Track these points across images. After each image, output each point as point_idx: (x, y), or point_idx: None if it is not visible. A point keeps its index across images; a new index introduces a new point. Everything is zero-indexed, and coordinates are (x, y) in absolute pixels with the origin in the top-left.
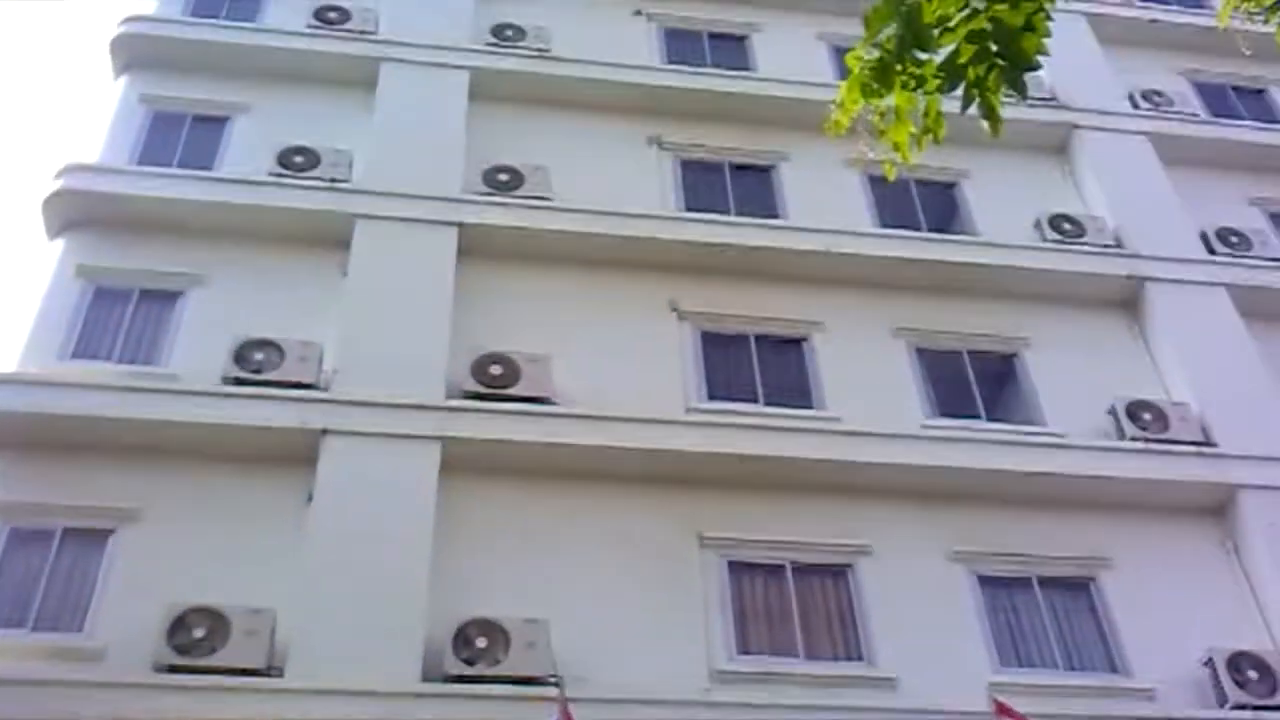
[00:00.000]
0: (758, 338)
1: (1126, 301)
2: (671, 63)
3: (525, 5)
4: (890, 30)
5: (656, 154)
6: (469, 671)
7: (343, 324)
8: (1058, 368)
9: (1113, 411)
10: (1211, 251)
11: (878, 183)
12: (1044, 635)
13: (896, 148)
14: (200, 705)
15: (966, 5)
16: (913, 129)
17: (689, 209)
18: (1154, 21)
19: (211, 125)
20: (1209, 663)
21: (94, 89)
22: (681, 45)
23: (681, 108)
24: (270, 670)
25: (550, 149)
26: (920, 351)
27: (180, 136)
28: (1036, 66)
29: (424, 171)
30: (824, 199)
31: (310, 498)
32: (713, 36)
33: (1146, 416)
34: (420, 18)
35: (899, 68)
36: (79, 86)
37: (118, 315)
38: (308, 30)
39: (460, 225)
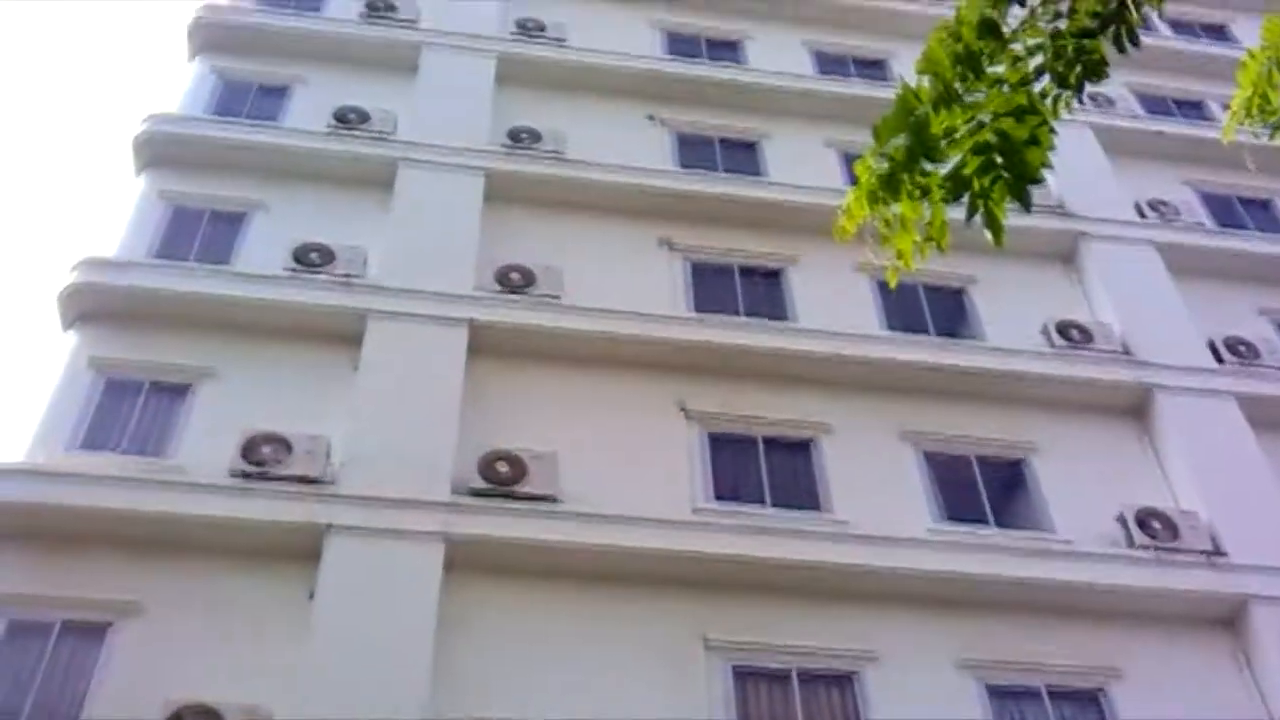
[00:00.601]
0: (765, 439)
1: (1135, 409)
2: (683, 167)
3: (542, 109)
4: (899, 141)
5: (667, 256)
6: None
7: (351, 419)
8: (1066, 474)
9: (1121, 519)
10: (1220, 360)
11: (886, 287)
12: None
13: (900, 255)
14: None
15: (973, 118)
16: (917, 237)
17: (699, 310)
18: (1159, 133)
19: (229, 221)
20: None
21: (114, 185)
22: (693, 150)
23: (692, 211)
24: None
25: (562, 249)
26: (928, 456)
27: (198, 232)
28: (1040, 180)
29: (437, 270)
30: (833, 302)
31: (312, 594)
32: (724, 142)
33: (1156, 525)
34: (438, 120)
35: (906, 177)
36: (99, 182)
37: (128, 407)
38: (328, 131)
39: (471, 323)
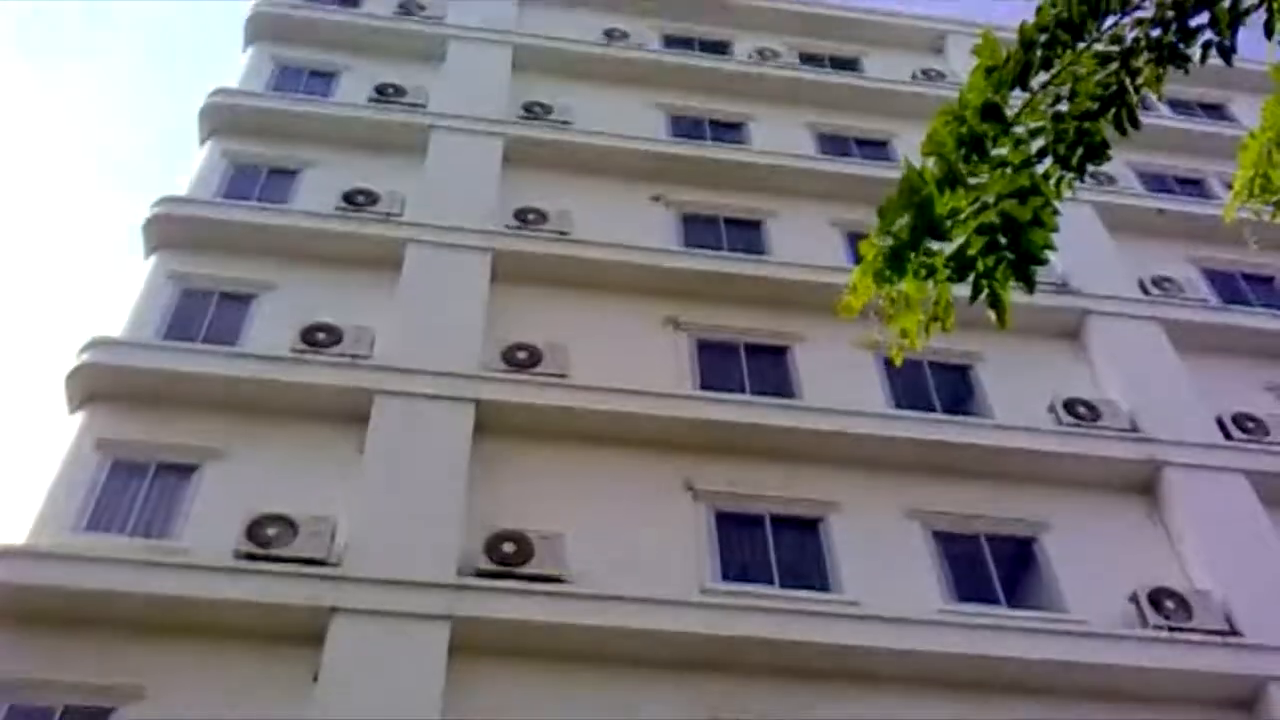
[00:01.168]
0: (773, 518)
1: (1145, 486)
2: (689, 246)
3: (548, 189)
4: (904, 220)
5: (673, 334)
6: None
7: (357, 499)
8: (1077, 553)
9: (1134, 599)
10: (1229, 437)
11: (892, 364)
12: None
13: (906, 334)
14: None
15: (977, 199)
16: (922, 316)
17: (705, 389)
18: (1161, 211)
19: (238, 302)
20: None
21: (123, 267)
22: (698, 229)
23: (698, 289)
24: None
25: (569, 328)
26: (937, 535)
27: (207, 313)
28: (1044, 261)
29: (444, 349)
30: (839, 380)
31: (316, 676)
32: (729, 221)
33: (1169, 604)
34: (446, 201)
35: (911, 256)
36: (108, 264)
37: (134, 488)
38: (336, 212)
39: (478, 402)
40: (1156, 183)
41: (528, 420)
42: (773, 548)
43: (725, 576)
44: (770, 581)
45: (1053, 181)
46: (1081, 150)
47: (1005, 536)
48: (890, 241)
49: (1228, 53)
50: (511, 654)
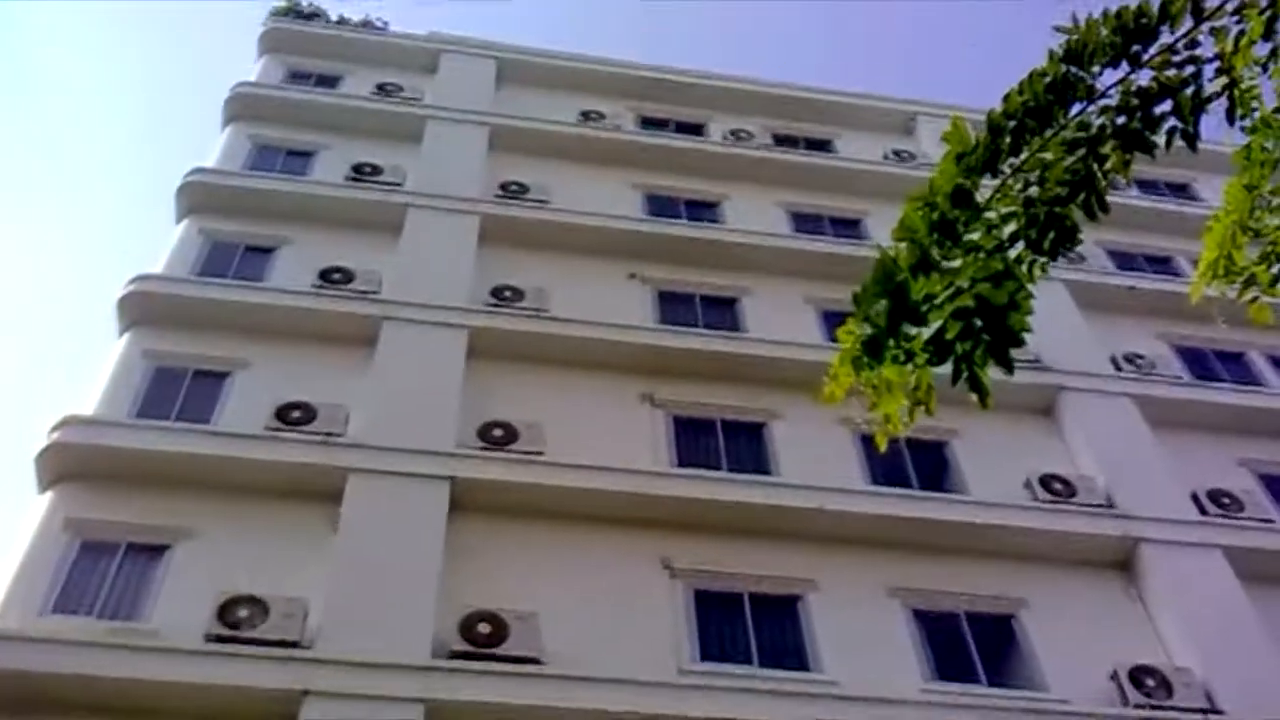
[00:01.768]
0: (752, 596)
1: (1122, 562)
2: (664, 323)
3: (525, 267)
4: (880, 306)
5: (649, 411)
6: None
7: (330, 580)
8: (1057, 630)
9: (1115, 677)
10: (1204, 512)
11: (868, 441)
12: None
13: (888, 419)
14: None
15: (951, 284)
16: (904, 401)
17: (681, 466)
18: (1131, 289)
19: (212, 380)
20: None
21: (95, 344)
22: (674, 307)
23: (674, 366)
24: None
25: (545, 405)
26: (917, 613)
27: (180, 391)
28: (1022, 343)
29: (419, 426)
30: (815, 456)
31: None
32: (704, 299)
33: (1150, 682)
34: (422, 278)
35: (890, 342)
36: (80, 342)
37: (102, 569)
38: (312, 290)
39: (453, 479)
40: (1125, 260)
41: (503, 498)
42: (752, 627)
43: (704, 657)
44: (749, 661)
45: (1025, 265)
46: (1053, 234)
47: (984, 614)
48: (868, 328)
49: (1192, 139)
50: None
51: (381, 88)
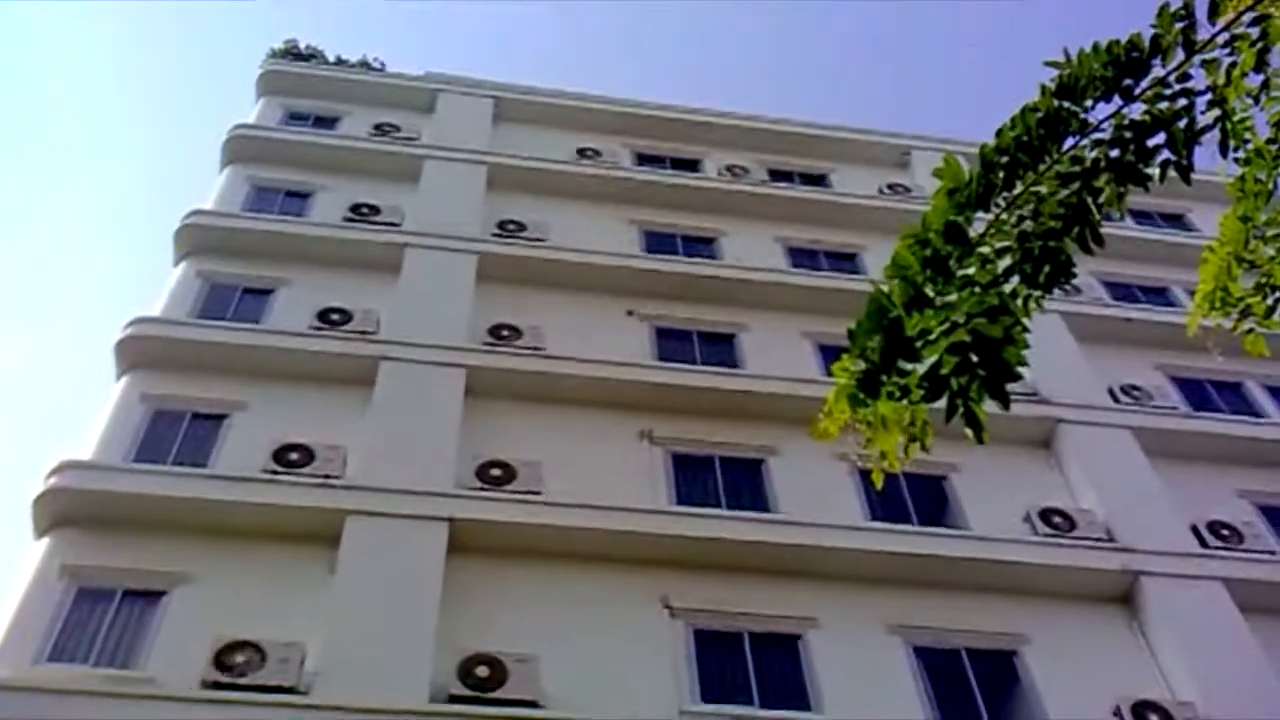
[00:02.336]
0: (752, 635)
1: (1123, 596)
2: (662, 360)
3: (522, 305)
4: (874, 342)
5: (648, 449)
6: None
7: (328, 624)
8: (1059, 665)
9: (1118, 713)
10: (1204, 544)
11: (867, 476)
12: None
13: (885, 456)
14: None
15: (946, 319)
16: (901, 437)
17: (680, 504)
18: (1128, 320)
19: (210, 422)
20: None
21: (93, 388)
22: (672, 343)
23: (672, 403)
24: None
25: (543, 444)
26: (918, 650)
27: (178, 434)
28: (1018, 377)
29: (417, 467)
30: (814, 492)
31: None
32: (702, 335)
33: (1153, 718)
34: (420, 318)
35: (884, 378)
36: (78, 385)
37: (99, 616)
38: (310, 331)
39: (451, 521)
40: (1122, 291)
41: (502, 539)
42: (752, 666)
43: (705, 697)
44: (750, 702)
45: (1020, 299)
46: (1048, 268)
47: (986, 650)
48: (863, 364)
49: (1186, 171)
50: None
51: (379, 127)
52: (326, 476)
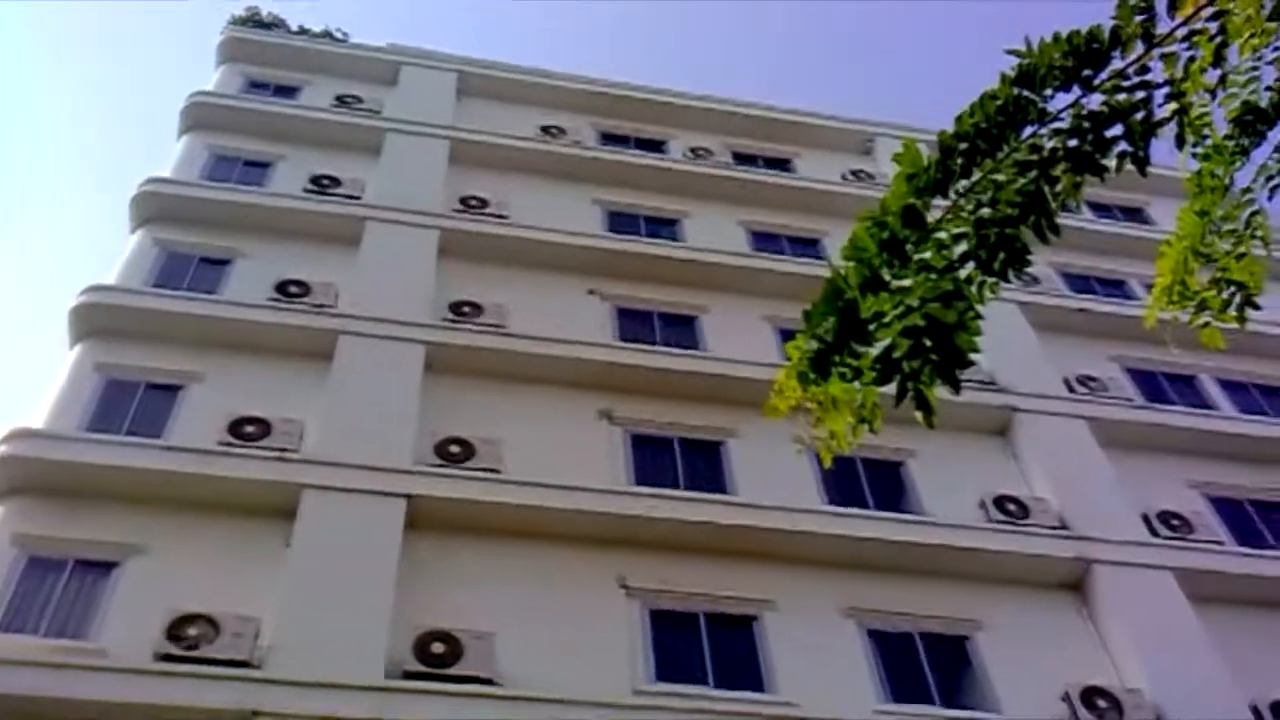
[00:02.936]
0: (708, 616)
1: (1075, 583)
2: (623, 340)
3: (484, 282)
4: (829, 324)
5: (607, 428)
6: None
7: (282, 598)
8: (1010, 651)
9: (1067, 698)
10: (1155, 534)
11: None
12: None
13: (834, 436)
14: None
15: (901, 302)
16: (850, 418)
17: (639, 484)
18: (1083, 311)
19: (164, 393)
20: None
21: (48, 356)
22: (633, 324)
23: (632, 384)
24: None
25: (503, 421)
26: (872, 633)
27: (132, 404)
28: (970, 364)
29: (375, 442)
30: (773, 475)
31: None
32: (663, 316)
33: (1101, 704)
34: (380, 292)
35: (837, 358)
36: (32, 353)
37: (49, 586)
38: (268, 303)
39: (409, 497)
40: (1079, 283)
41: (460, 516)
42: (708, 647)
43: (660, 677)
44: (705, 682)
45: (975, 286)
46: (1003, 255)
47: (939, 635)
48: (815, 345)
49: (1142, 163)
50: None
51: (341, 99)
52: (283, 450)
